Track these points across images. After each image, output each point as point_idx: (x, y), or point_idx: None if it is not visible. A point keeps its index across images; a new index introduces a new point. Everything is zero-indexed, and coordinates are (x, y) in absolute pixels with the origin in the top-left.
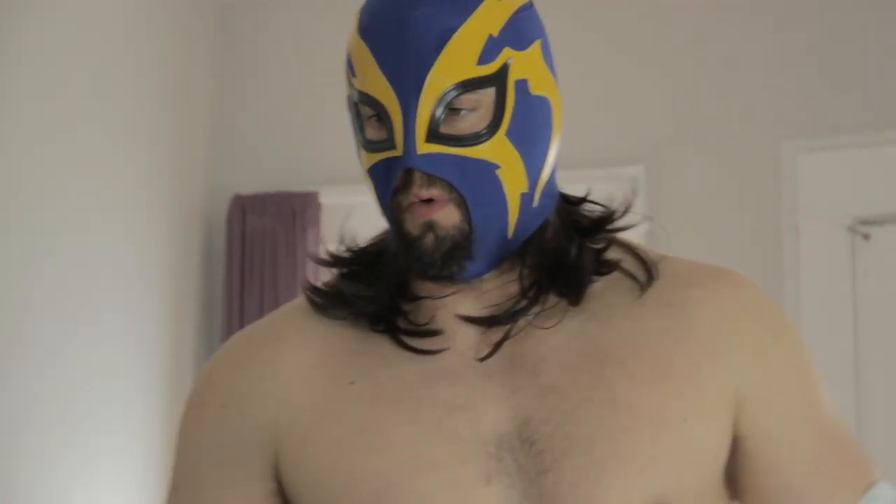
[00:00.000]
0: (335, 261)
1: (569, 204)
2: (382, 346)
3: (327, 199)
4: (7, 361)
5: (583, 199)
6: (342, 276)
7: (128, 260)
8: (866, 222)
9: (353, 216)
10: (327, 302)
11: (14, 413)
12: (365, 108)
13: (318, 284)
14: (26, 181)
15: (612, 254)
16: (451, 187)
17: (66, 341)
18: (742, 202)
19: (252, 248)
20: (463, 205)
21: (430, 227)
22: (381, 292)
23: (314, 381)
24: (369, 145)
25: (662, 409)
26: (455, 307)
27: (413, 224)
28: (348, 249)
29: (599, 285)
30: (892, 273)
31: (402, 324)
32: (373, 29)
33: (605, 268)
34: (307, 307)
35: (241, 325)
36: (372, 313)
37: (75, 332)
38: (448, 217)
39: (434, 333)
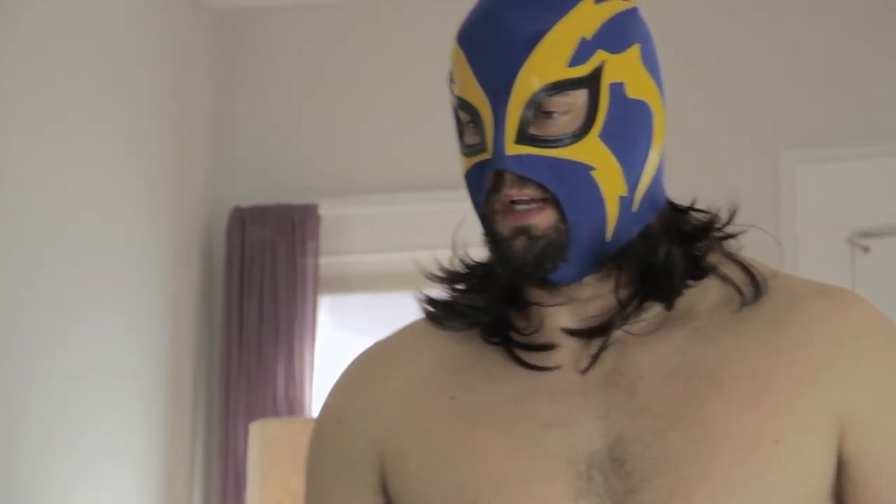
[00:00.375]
0: (450, 277)
1: (676, 212)
2: (491, 360)
3: (327, 210)
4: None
5: (690, 207)
6: (455, 288)
7: (128, 271)
8: (866, 234)
9: (464, 223)
10: (442, 313)
11: (8, 422)
12: (462, 114)
13: (434, 295)
14: (25, 190)
15: (722, 266)
16: (543, 189)
17: (64, 348)
18: (740, 212)
19: (251, 260)
20: (558, 205)
21: (523, 229)
22: (493, 301)
23: (420, 396)
24: (465, 150)
25: (755, 430)
26: (557, 319)
27: (504, 226)
28: (463, 264)
29: (706, 300)
30: (891, 285)
31: (516, 337)
32: (467, 35)
33: (700, 272)
34: (424, 322)
35: (241, 337)
36: (486, 324)
37: (76, 342)
38: (544, 220)
39: (548, 348)
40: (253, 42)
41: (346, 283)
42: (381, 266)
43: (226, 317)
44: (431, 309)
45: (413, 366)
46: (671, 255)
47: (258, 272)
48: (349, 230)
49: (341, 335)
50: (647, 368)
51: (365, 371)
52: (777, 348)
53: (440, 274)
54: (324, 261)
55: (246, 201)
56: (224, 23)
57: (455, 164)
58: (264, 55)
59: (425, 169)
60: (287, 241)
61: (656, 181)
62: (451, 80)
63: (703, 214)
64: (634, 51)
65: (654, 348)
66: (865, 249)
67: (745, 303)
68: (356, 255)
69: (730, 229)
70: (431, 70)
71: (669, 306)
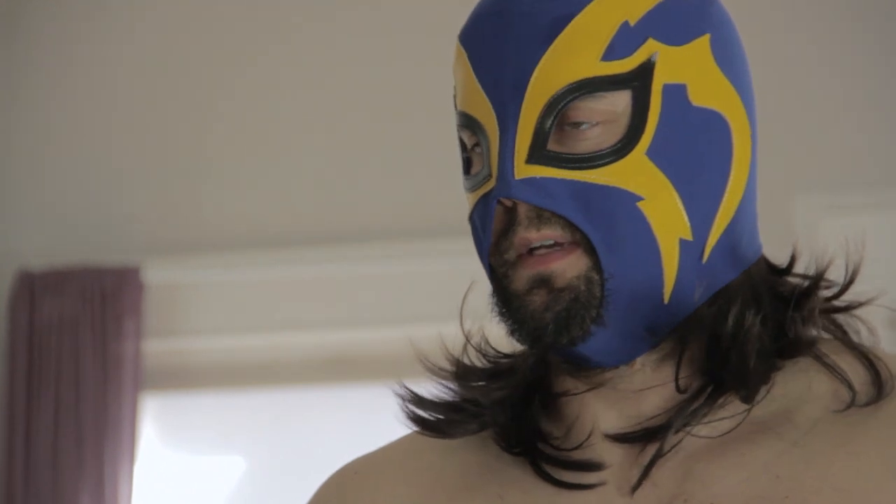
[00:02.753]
0: (465, 373)
1: (773, 273)
2: (506, 476)
3: (153, 275)
4: None
5: (789, 268)
6: (458, 379)
7: None
8: None
9: (473, 289)
10: (439, 417)
11: None
12: (466, 135)
13: (424, 393)
14: None
15: (829, 351)
16: (571, 226)
17: None
18: None
19: (44, 345)
20: (591, 249)
21: (542, 280)
22: (511, 394)
23: None
24: (469, 184)
25: None
26: (597, 419)
27: (519, 278)
28: (482, 354)
29: (810, 398)
30: None
31: (546, 449)
32: (472, 31)
33: (791, 349)
34: (418, 434)
35: (27, 450)
36: (503, 427)
37: None
38: (570, 266)
39: (588, 467)
40: (51, 50)
41: (182, 378)
42: (233, 354)
43: (6, 425)
44: (421, 412)
45: (400, 485)
46: (744, 320)
47: (53, 362)
48: (185, 302)
49: (174, 453)
50: (721, 493)
51: (345, 488)
52: None
53: (452, 369)
54: (149, 346)
55: (38, 263)
56: (13, 21)
57: (341, 213)
58: (66, 68)
59: (299, 217)
60: (95, 317)
61: (739, 225)
62: (455, 95)
63: (808, 278)
64: (702, 44)
65: (733, 465)
66: None
67: (854, 403)
68: (196, 337)
69: (843, 300)
70: (308, 84)
71: (748, 398)
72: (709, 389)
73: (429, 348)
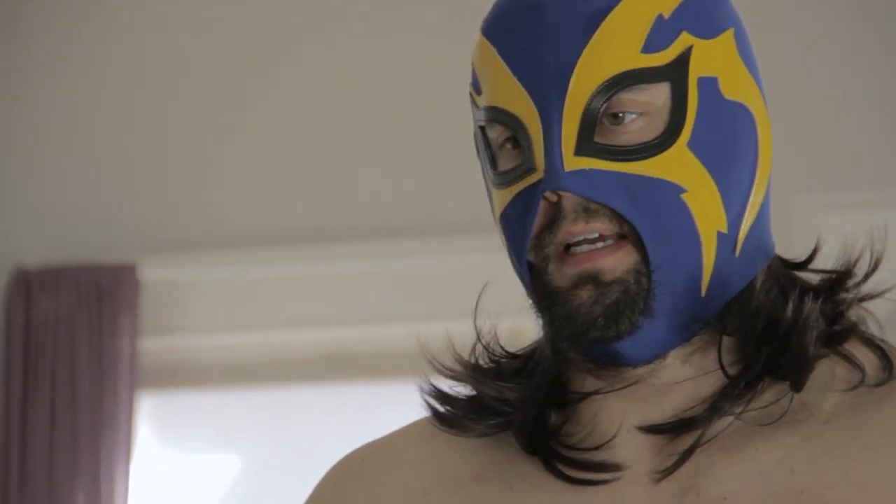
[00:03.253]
0: (474, 372)
1: (787, 268)
2: (519, 471)
3: (150, 273)
4: None
5: (808, 261)
6: (476, 376)
7: None
8: None
9: (488, 289)
10: (458, 413)
11: None
12: (494, 131)
13: (445, 388)
14: None
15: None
16: (619, 218)
17: None
18: None
19: (40, 342)
20: (638, 241)
21: (589, 277)
22: (532, 393)
23: None
24: (501, 179)
25: None
26: (620, 415)
27: (561, 275)
28: (490, 354)
29: (829, 387)
30: None
31: (565, 452)
32: (500, 24)
33: (837, 337)
34: (429, 423)
35: (23, 447)
36: (517, 425)
37: None
38: (619, 261)
39: (609, 468)
40: (49, 50)
41: (178, 376)
42: (229, 352)
43: (2, 423)
44: (440, 406)
45: (411, 472)
46: (804, 306)
47: (49, 360)
48: (182, 300)
49: (170, 451)
50: (734, 489)
51: (347, 476)
52: None
53: (457, 369)
54: (146, 344)
55: (34, 260)
56: (13, 21)
57: (338, 210)
58: (64, 66)
59: (296, 214)
60: (92, 315)
61: (763, 219)
62: (477, 92)
63: (829, 272)
64: (728, 38)
65: (746, 458)
66: None
67: (862, 382)
68: (193, 335)
69: (864, 289)
70: (305, 83)
71: (799, 385)
72: (753, 375)
73: (431, 346)
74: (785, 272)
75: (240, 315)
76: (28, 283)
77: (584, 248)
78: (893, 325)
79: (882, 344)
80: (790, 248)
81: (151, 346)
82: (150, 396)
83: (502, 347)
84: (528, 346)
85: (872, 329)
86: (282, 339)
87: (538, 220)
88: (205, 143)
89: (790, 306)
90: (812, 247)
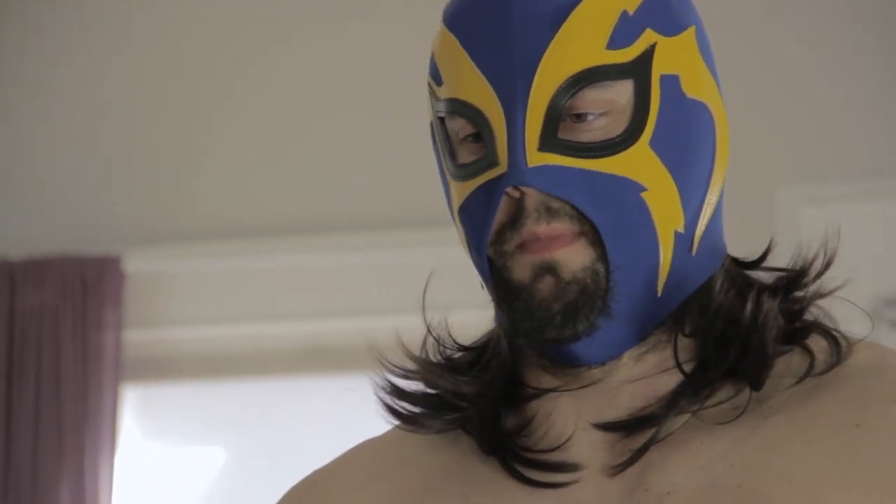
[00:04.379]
0: (425, 370)
1: (739, 266)
2: (473, 476)
3: (134, 264)
4: None
5: (761, 259)
6: (429, 373)
7: None
8: (894, 303)
9: (434, 279)
10: (410, 408)
11: None
12: (456, 123)
13: (403, 384)
14: None
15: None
16: (580, 217)
17: None
18: None
19: (24, 335)
20: (597, 240)
21: (548, 268)
22: (486, 387)
23: None
24: (460, 172)
25: None
26: (580, 411)
27: (523, 268)
28: (442, 347)
29: (782, 382)
30: None
31: (525, 454)
32: (463, 15)
33: (797, 334)
34: (388, 434)
35: (7, 440)
36: (474, 424)
37: None
38: (576, 256)
39: (569, 468)
40: (29, 35)
41: (164, 369)
42: (214, 344)
43: None
44: (396, 405)
45: (362, 493)
46: (762, 306)
47: (33, 352)
48: (166, 292)
49: (154, 444)
50: (677, 482)
51: (302, 499)
52: (855, 469)
53: (411, 368)
54: (130, 336)
55: (17, 252)
56: None
57: (321, 203)
58: (47, 54)
59: (280, 207)
60: (76, 307)
61: (717, 217)
62: (437, 82)
63: (782, 271)
64: (690, 35)
65: (691, 454)
66: (894, 325)
67: (811, 371)
68: (177, 327)
69: (819, 286)
70: (289, 76)
71: (758, 384)
72: (715, 373)
73: (412, 339)
74: (738, 271)
75: (225, 307)
76: (12, 275)
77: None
78: (878, 316)
79: (835, 332)
80: (772, 238)
81: (136, 338)
82: (134, 388)
83: (454, 340)
84: (481, 338)
85: (827, 322)
86: (267, 332)
87: (499, 216)
88: (190, 135)
89: (749, 306)
90: (793, 242)
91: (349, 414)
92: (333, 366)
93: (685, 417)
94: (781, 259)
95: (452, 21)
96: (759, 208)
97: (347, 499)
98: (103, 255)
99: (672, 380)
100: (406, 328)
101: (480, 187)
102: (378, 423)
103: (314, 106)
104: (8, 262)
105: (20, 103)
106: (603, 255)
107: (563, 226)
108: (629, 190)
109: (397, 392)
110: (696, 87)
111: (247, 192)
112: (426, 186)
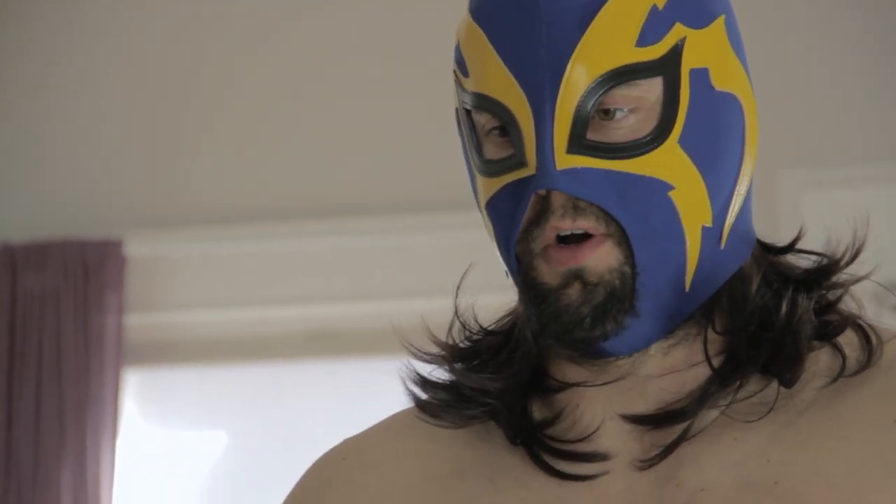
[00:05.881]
0: (451, 354)
1: (769, 253)
2: (503, 464)
3: (135, 248)
4: None
5: (791, 247)
6: (454, 366)
7: None
8: None
9: (459, 263)
10: (440, 401)
11: None
12: (482, 117)
13: (428, 375)
14: None
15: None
16: (606, 217)
17: None
18: None
19: (25, 319)
20: (624, 240)
21: (576, 274)
22: (512, 383)
23: None
24: (488, 168)
25: None
26: (608, 402)
27: (551, 272)
28: (468, 335)
29: (814, 378)
30: None
31: (553, 444)
32: (490, 9)
33: (831, 332)
34: (412, 414)
35: (9, 423)
36: (502, 416)
37: None
38: (603, 259)
39: (598, 458)
40: (33, 24)
41: (165, 353)
42: (216, 328)
43: None
44: (423, 394)
45: (392, 469)
46: (798, 308)
47: (35, 336)
48: (168, 276)
49: (156, 428)
50: (712, 478)
51: (325, 475)
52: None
53: (438, 353)
54: (131, 320)
55: (18, 236)
56: None
57: (325, 186)
58: (45, 33)
59: (283, 190)
60: (77, 291)
61: (746, 208)
62: (462, 73)
63: (811, 256)
64: (719, 26)
65: (725, 449)
66: None
67: (843, 373)
68: (179, 311)
69: (848, 276)
70: (288, 61)
71: (791, 382)
72: (745, 371)
73: (414, 324)
74: (767, 258)
75: (226, 291)
76: (13, 259)
77: (572, 244)
78: (881, 301)
79: (865, 325)
80: (775, 224)
81: (137, 322)
82: (136, 373)
83: (480, 325)
84: (506, 320)
85: (853, 310)
86: (268, 316)
87: (527, 214)
88: (191, 119)
89: (784, 308)
90: (795, 226)
91: (351, 398)
92: (336, 350)
93: (715, 413)
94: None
95: (479, 13)
96: (761, 192)
97: (374, 476)
98: (105, 239)
99: (701, 374)
100: (407, 313)
101: (507, 186)
102: (382, 408)
103: (316, 89)
104: (9, 246)
105: (22, 91)
106: (630, 256)
107: (588, 223)
108: (657, 190)
109: (423, 383)
110: (726, 78)
111: (248, 176)
112: (429, 170)
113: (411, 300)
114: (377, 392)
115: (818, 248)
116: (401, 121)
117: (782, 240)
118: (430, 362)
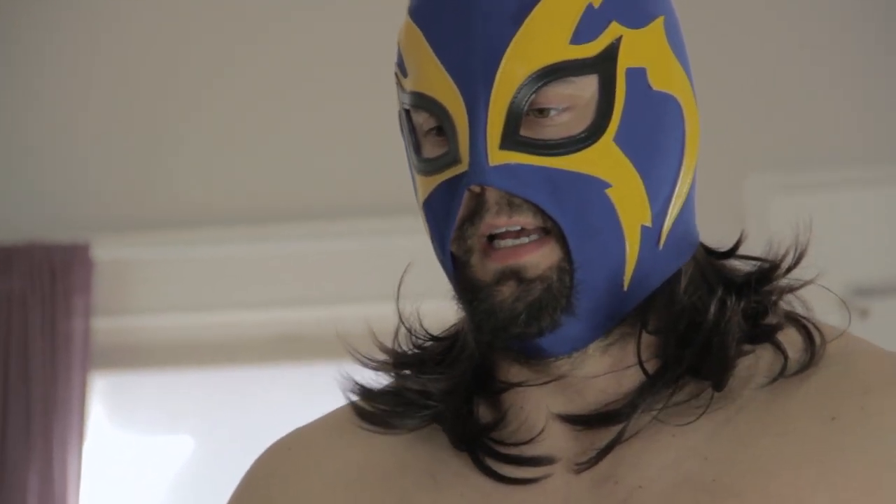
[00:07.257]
0: (397, 361)
1: (711, 257)
2: (445, 462)
3: (103, 252)
4: None
5: (733, 251)
6: (398, 374)
7: None
8: (864, 292)
9: (409, 267)
10: (380, 408)
11: None
12: (420, 117)
13: (365, 382)
14: None
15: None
16: (542, 213)
17: None
18: None
19: None
20: (562, 238)
21: (512, 272)
22: (455, 385)
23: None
24: (425, 166)
25: None
26: (549, 402)
27: (485, 270)
28: (414, 338)
29: (755, 377)
30: None
31: (498, 447)
32: (427, 7)
33: (760, 334)
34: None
35: None
36: (446, 419)
37: None
38: (543, 258)
39: (541, 462)
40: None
41: (132, 357)
42: (183, 332)
43: None
44: (366, 406)
45: (335, 463)
46: (726, 310)
47: (1, 339)
48: (136, 280)
49: (123, 434)
50: (649, 476)
51: (272, 465)
52: (830, 460)
53: (383, 360)
54: (99, 323)
55: None
56: None
57: (293, 191)
58: (11, 38)
59: (249, 195)
60: (45, 295)
61: (688, 210)
62: (402, 73)
63: (755, 261)
64: (658, 26)
65: (663, 447)
66: (864, 314)
67: (783, 373)
68: (146, 315)
69: (790, 281)
70: (260, 64)
71: (720, 385)
72: (675, 373)
73: (383, 328)
74: (710, 262)
75: (194, 295)
76: None
77: (508, 241)
78: (847, 305)
79: (809, 325)
80: (742, 228)
81: (105, 326)
82: (103, 377)
83: (426, 331)
84: (452, 326)
85: (799, 309)
86: (236, 320)
87: (461, 212)
88: (160, 123)
89: (712, 309)
90: (763, 230)
91: (318, 402)
92: (304, 354)
93: (651, 415)
94: (752, 247)
95: (417, 13)
96: (729, 196)
97: (318, 469)
98: (72, 243)
99: (637, 376)
100: (376, 317)
101: (443, 184)
102: None
103: (286, 95)
104: None
105: None
106: (568, 253)
107: (524, 219)
108: (593, 188)
109: (365, 393)
110: (664, 79)
111: (217, 181)
112: (399, 175)
113: (379, 305)
114: (344, 396)
115: (782, 252)
116: (372, 126)
117: (750, 243)
118: (376, 369)
